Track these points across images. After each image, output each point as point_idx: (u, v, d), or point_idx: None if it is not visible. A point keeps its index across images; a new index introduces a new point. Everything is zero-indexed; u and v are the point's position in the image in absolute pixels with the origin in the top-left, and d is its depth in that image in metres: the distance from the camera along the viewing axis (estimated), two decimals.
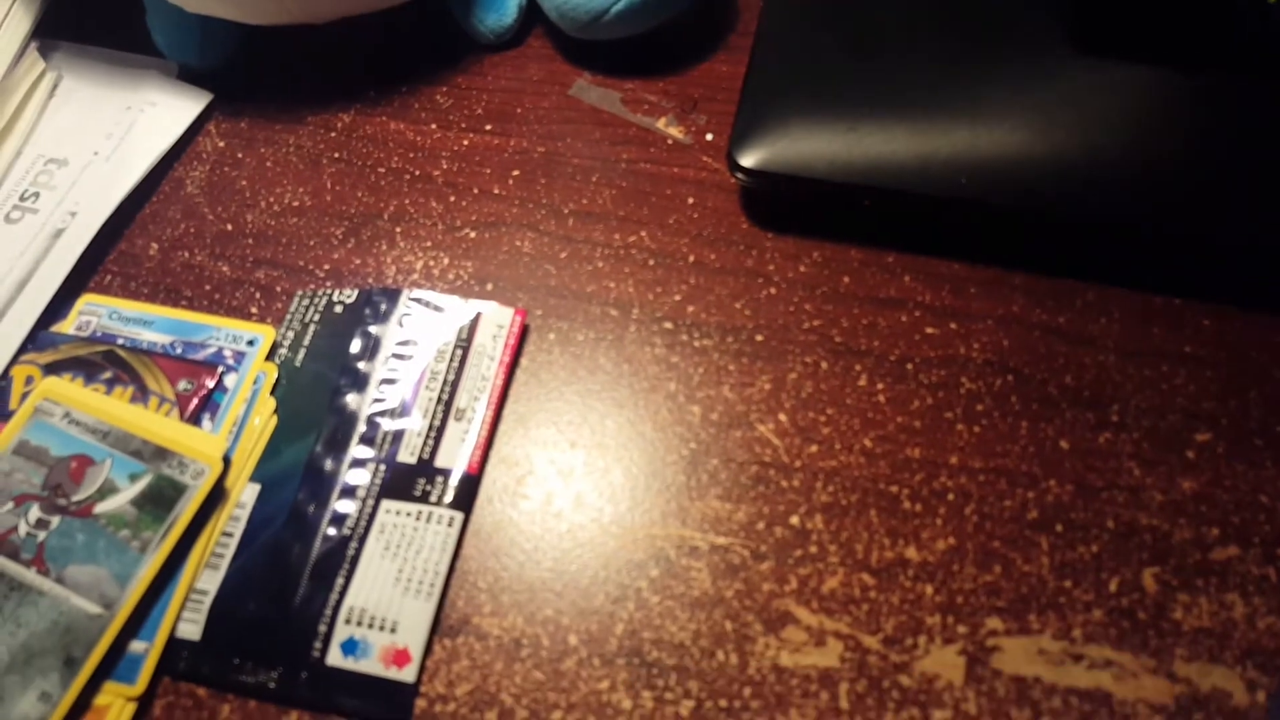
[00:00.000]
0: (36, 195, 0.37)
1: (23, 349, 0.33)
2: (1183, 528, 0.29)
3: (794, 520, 0.30)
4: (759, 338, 0.33)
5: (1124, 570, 0.29)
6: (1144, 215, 0.32)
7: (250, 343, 0.33)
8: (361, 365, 0.32)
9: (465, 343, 0.33)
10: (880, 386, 0.32)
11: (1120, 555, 0.29)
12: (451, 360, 0.32)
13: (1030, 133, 0.33)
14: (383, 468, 0.30)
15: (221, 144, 0.39)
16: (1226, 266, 0.33)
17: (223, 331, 0.33)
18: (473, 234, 0.36)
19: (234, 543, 0.29)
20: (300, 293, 0.34)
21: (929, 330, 0.33)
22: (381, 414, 0.31)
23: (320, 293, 0.34)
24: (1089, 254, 0.34)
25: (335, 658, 0.27)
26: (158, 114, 0.39)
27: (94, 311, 0.34)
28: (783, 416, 0.32)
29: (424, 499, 0.30)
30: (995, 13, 0.36)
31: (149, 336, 0.33)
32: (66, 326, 0.34)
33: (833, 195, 0.34)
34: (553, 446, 0.32)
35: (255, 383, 0.32)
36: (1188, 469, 0.30)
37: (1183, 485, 0.30)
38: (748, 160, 0.34)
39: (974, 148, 0.33)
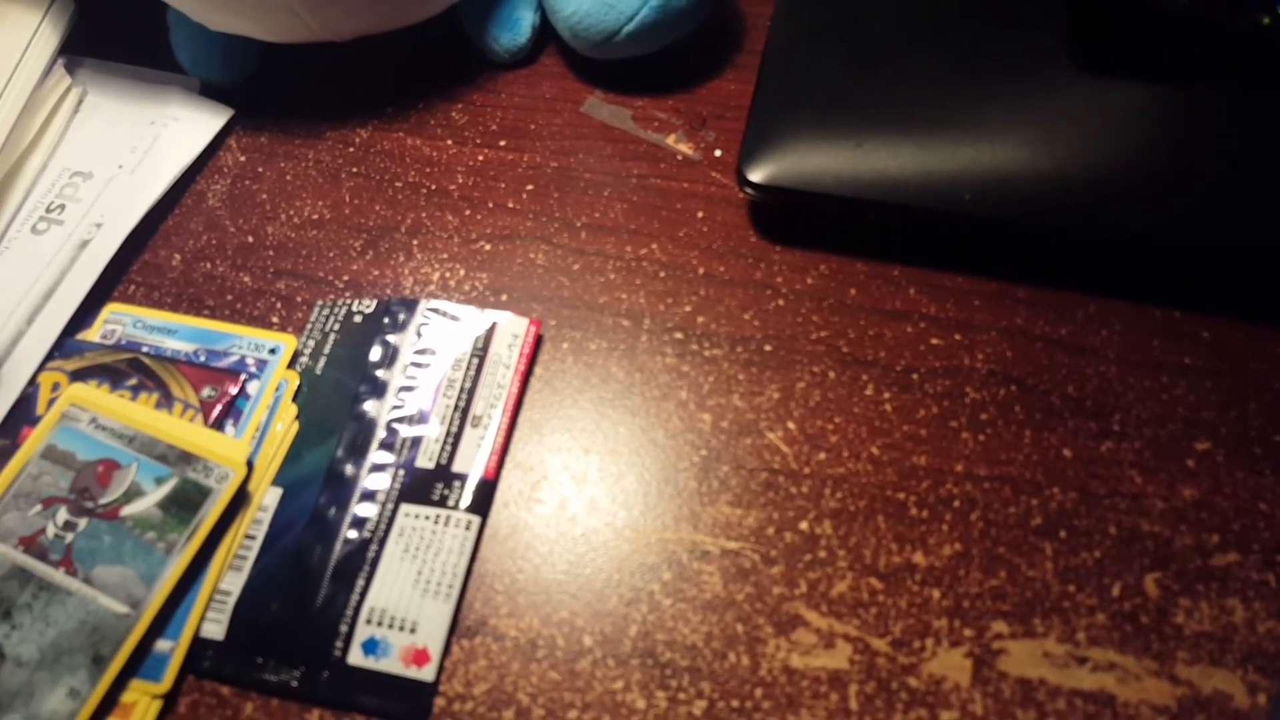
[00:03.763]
0: (62, 207, 0.37)
1: (49, 356, 0.34)
2: (1184, 534, 0.30)
3: (803, 526, 0.31)
4: (768, 348, 0.34)
5: (1126, 575, 0.29)
6: (1143, 228, 0.33)
7: (272, 351, 0.33)
8: (380, 373, 0.33)
9: (481, 352, 0.33)
10: (887, 396, 0.33)
11: (1122, 561, 0.30)
12: (468, 369, 0.33)
13: (1032, 149, 0.34)
14: (402, 473, 0.31)
15: (242, 158, 0.40)
16: (1224, 279, 0.34)
17: (245, 340, 0.34)
18: (488, 246, 0.37)
19: (257, 545, 0.30)
20: (320, 303, 0.35)
21: (934, 341, 0.34)
22: (400, 420, 0.32)
23: (340, 303, 0.35)
24: (1090, 267, 0.35)
25: (356, 657, 0.28)
26: (180, 129, 0.40)
27: (119, 320, 0.35)
28: (791, 424, 0.32)
29: (442, 503, 0.31)
30: (997, 33, 0.37)
31: (173, 345, 0.34)
32: (92, 334, 0.35)
33: (840, 210, 0.35)
34: (567, 452, 0.32)
35: (277, 390, 0.33)
36: (1188, 477, 0.31)
37: (1183, 493, 0.31)
38: (757, 175, 0.35)
39: (977, 164, 0.34)
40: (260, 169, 0.40)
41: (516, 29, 0.41)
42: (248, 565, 0.30)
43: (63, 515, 0.30)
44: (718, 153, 0.39)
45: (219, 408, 0.32)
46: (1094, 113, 0.35)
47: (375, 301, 0.35)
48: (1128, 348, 0.34)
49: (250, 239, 0.38)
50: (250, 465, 0.31)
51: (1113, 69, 0.36)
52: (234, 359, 0.33)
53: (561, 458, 0.32)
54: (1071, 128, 0.34)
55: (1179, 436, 0.32)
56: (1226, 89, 0.35)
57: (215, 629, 0.29)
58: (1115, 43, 0.36)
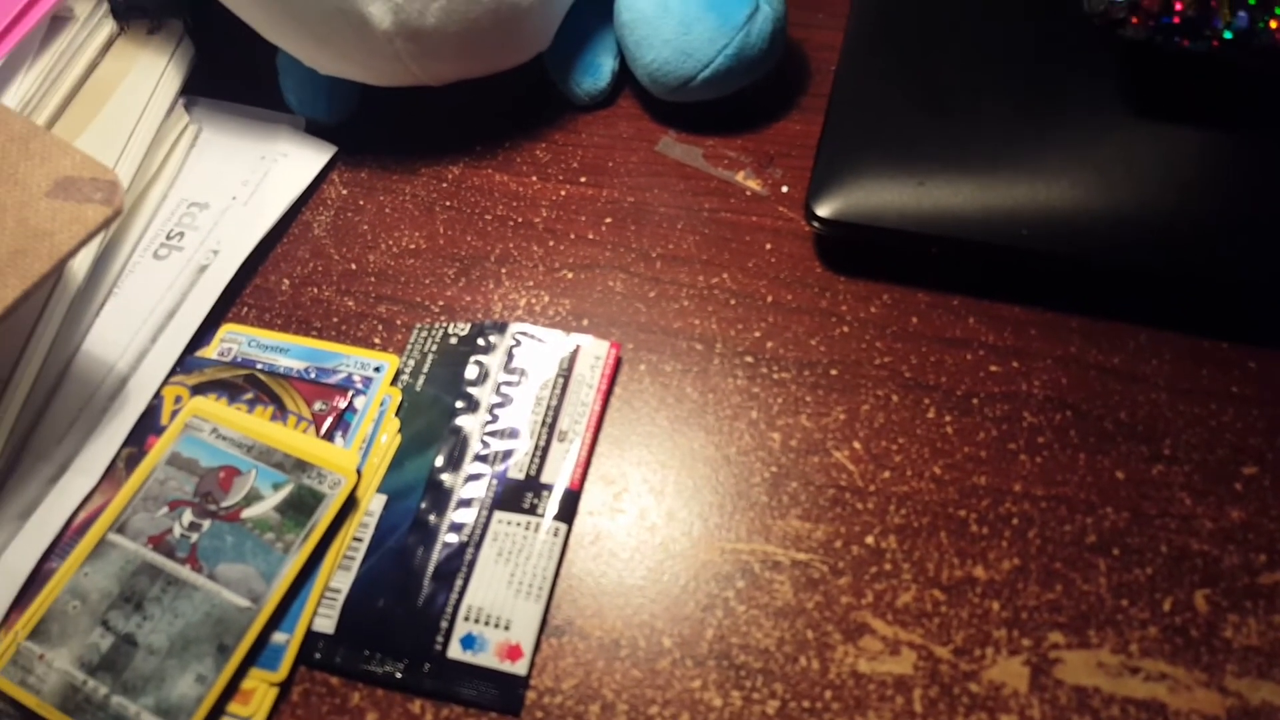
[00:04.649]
0: (181, 235, 0.41)
1: (172, 372, 0.37)
2: (1232, 553, 0.32)
3: (869, 540, 0.33)
4: (833, 372, 0.36)
5: (1177, 591, 0.31)
6: (1193, 264, 0.35)
7: (377, 369, 0.36)
8: (474, 390, 0.36)
9: (566, 372, 0.36)
10: (948, 419, 0.35)
11: (1173, 577, 0.31)
12: (554, 387, 0.36)
13: (1087, 188, 0.36)
14: (495, 482, 0.34)
15: (344, 191, 0.44)
16: (1272, 312, 0.36)
17: (352, 359, 0.37)
18: (570, 275, 0.40)
19: (364, 546, 0.33)
20: (418, 325, 0.38)
21: (993, 368, 0.36)
22: (493, 434, 0.35)
23: (436, 325, 0.38)
24: (1141, 300, 0.37)
25: (455, 651, 0.31)
26: (288, 164, 0.43)
27: (234, 339, 0.38)
28: (857, 444, 0.35)
29: (531, 511, 0.33)
30: (1054, 77, 0.39)
31: (285, 362, 0.37)
32: (210, 352, 0.38)
33: (902, 243, 0.37)
34: (646, 466, 0.35)
35: (382, 404, 0.35)
36: (1236, 500, 0.33)
37: (1231, 514, 0.32)
38: (825, 210, 0.37)
39: (1034, 201, 0.36)
40: (361, 202, 0.43)
41: (598, 74, 0.44)
42: (356, 565, 0.32)
43: (188, 517, 0.33)
44: (784, 189, 0.42)
45: (329, 420, 0.35)
46: (1146, 153, 0.37)
47: (469, 325, 0.38)
48: (1177, 376, 0.35)
49: (353, 266, 0.41)
50: (359, 473, 0.33)
51: (1164, 112, 0.37)
52: (342, 376, 0.36)
53: (641, 471, 0.35)
54: (1124, 167, 0.36)
55: (1227, 461, 0.33)
56: (1274, 131, 0.37)
57: (326, 623, 0.31)
58: (1166, 87, 0.38)
